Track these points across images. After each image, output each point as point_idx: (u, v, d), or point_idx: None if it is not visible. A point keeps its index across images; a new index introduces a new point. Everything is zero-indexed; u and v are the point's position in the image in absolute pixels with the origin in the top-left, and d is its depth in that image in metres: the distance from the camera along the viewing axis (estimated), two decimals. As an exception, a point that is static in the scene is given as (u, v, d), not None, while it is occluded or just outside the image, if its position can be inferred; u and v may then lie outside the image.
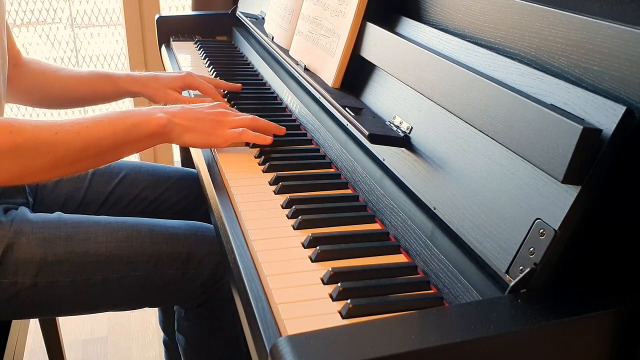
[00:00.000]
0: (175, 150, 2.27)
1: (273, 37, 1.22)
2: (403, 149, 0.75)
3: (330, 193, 0.81)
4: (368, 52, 0.88)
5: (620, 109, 0.48)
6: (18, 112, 2.50)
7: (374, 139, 0.75)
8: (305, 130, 1.01)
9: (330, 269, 0.62)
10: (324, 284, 0.61)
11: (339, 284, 0.59)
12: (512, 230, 0.54)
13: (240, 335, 1.02)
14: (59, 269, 0.88)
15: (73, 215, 0.94)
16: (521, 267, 0.52)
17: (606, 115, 0.49)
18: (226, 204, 0.79)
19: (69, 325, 1.73)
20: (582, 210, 0.50)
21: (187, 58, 1.44)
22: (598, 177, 0.49)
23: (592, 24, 0.54)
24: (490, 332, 0.46)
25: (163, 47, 1.59)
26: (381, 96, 0.85)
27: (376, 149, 0.81)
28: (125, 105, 2.18)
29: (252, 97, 1.18)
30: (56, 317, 1.32)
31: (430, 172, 0.68)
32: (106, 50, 2.67)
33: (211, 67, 1.35)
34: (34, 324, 1.55)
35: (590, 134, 0.48)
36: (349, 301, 0.57)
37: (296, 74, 1.12)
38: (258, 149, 0.93)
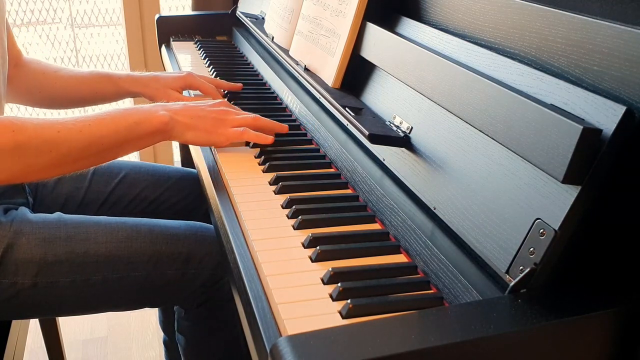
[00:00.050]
0: (176, 150, 2.27)
1: (273, 37, 1.22)
2: (403, 149, 0.75)
3: (330, 193, 0.81)
4: (368, 52, 0.88)
5: (620, 109, 0.48)
6: (18, 112, 2.50)
7: (374, 139, 0.75)
8: (305, 130, 1.01)
9: (330, 269, 0.62)
10: (324, 284, 0.61)
11: (339, 284, 0.59)
12: (512, 230, 0.54)
13: (241, 335, 1.02)
14: (58, 269, 0.88)
15: (73, 216, 0.94)
16: (521, 267, 0.52)
17: (606, 115, 0.49)
18: (226, 204, 0.79)
19: (69, 325, 1.73)
20: (582, 210, 0.50)
21: (187, 58, 1.44)
22: (598, 177, 0.49)
23: (592, 24, 0.54)
24: (490, 332, 0.46)
25: (163, 47, 1.59)
26: (381, 96, 0.85)
27: (376, 149, 0.81)
28: (125, 105, 2.18)
29: (252, 97, 1.18)
30: (56, 317, 1.32)
31: (430, 172, 0.68)
32: (106, 50, 2.67)
33: (211, 67, 1.35)
34: (34, 324, 1.55)
35: (590, 134, 0.48)
36: (349, 301, 0.57)
37: (296, 74, 1.12)
38: (258, 149, 0.93)
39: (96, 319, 1.76)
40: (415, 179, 0.70)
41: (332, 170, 0.88)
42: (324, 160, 0.91)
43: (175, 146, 2.26)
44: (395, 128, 0.77)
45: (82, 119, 0.82)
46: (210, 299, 0.97)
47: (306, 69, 1.02)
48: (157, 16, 1.61)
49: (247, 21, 1.43)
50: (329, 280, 0.61)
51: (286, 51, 1.13)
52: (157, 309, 1.36)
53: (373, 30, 0.88)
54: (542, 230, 0.51)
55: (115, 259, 0.90)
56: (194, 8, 1.87)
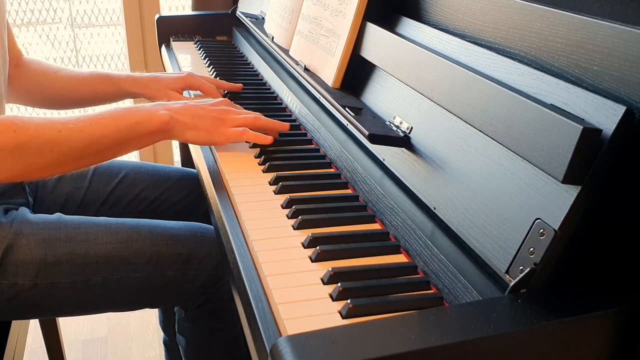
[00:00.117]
0: (176, 150, 2.27)
1: (273, 37, 1.22)
2: (403, 149, 0.75)
3: (330, 193, 0.81)
4: (368, 52, 0.88)
5: (620, 109, 0.48)
6: (19, 112, 2.50)
7: (374, 139, 0.75)
8: (305, 130, 1.01)
9: (330, 269, 0.62)
10: (324, 284, 0.61)
11: (339, 284, 0.59)
12: (512, 230, 0.54)
13: (241, 335, 1.02)
14: (58, 270, 0.88)
15: (73, 217, 0.94)
16: (521, 267, 0.52)
17: (606, 115, 0.49)
18: (226, 204, 0.79)
19: (69, 325, 1.73)
20: (582, 210, 0.50)
21: (187, 58, 1.44)
22: (598, 177, 0.49)
23: (592, 24, 0.54)
24: (490, 332, 0.46)
25: (163, 47, 1.59)
26: (381, 96, 0.85)
27: (376, 149, 0.81)
28: (125, 105, 2.18)
29: (252, 97, 1.18)
30: (56, 318, 1.32)
31: (430, 172, 0.68)
32: (106, 50, 2.67)
33: (211, 67, 1.35)
34: (34, 324, 1.55)
35: (590, 134, 0.48)
36: (349, 301, 0.57)
37: (296, 74, 1.12)
38: (258, 149, 0.93)
39: (96, 319, 1.76)
40: (415, 179, 0.70)
41: (332, 170, 0.88)
42: (324, 160, 0.91)
43: (175, 146, 2.26)
44: (395, 128, 0.77)
45: (83, 118, 0.82)
46: (210, 300, 0.97)
47: (306, 69, 1.02)
48: (157, 16, 1.61)
49: (247, 21, 1.43)
50: (329, 280, 0.61)
51: (286, 51, 1.13)
52: (157, 309, 1.36)
53: (373, 30, 0.88)
54: (542, 230, 0.51)
55: (115, 260, 0.90)
56: (194, 8, 1.87)
